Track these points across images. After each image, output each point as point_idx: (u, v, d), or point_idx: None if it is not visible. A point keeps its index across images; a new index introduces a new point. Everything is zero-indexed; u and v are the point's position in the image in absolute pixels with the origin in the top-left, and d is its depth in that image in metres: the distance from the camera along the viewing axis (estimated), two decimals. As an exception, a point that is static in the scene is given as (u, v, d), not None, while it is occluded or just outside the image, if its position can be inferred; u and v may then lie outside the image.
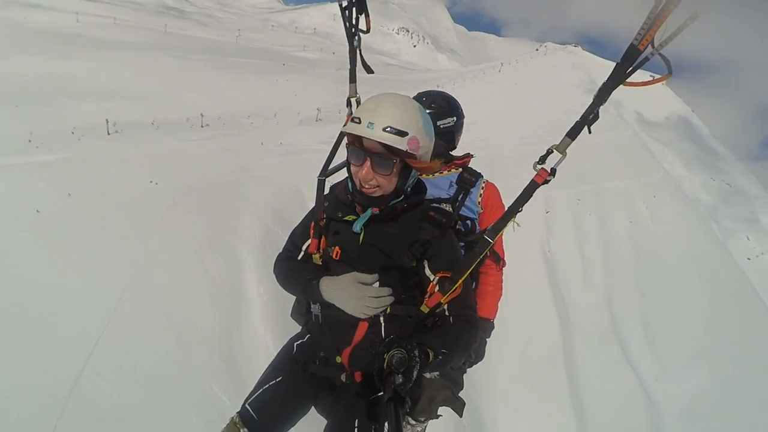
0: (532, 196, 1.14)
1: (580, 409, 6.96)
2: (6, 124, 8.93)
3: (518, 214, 1.22)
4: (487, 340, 1.89)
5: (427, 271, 1.27)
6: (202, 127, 12.56)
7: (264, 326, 4.61)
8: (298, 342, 1.53)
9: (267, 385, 1.40)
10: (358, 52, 1.44)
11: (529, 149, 11.43)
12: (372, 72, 1.64)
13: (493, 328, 1.86)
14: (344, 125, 1.33)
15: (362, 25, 1.43)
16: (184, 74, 18.41)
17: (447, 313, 1.25)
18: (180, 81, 17.12)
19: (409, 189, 1.32)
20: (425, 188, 1.43)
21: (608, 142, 15.66)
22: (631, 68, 0.94)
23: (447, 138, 1.82)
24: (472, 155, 1.91)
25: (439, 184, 1.79)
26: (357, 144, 1.21)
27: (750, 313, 15.21)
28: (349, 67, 1.46)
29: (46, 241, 4.37)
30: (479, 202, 1.79)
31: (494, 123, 13.77)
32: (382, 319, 1.28)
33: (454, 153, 1.93)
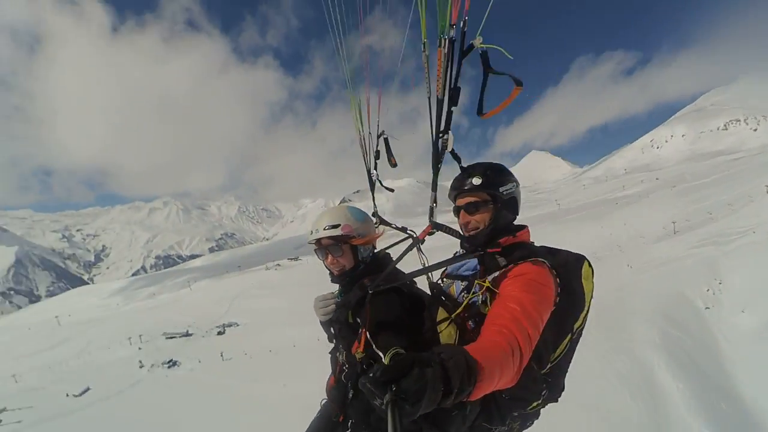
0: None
1: None
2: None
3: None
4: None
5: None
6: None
7: (693, 417, 4.33)
8: None
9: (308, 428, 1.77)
10: (376, 181, 1.84)
11: None
12: (392, 191, 2.18)
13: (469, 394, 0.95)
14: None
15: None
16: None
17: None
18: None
19: (364, 262, 1.63)
20: (387, 262, 1.65)
21: None
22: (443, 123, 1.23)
23: (512, 205, 1.57)
24: (526, 227, 1.62)
25: (466, 265, 1.58)
26: (318, 246, 1.59)
27: None
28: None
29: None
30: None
31: None
32: (345, 366, 1.50)
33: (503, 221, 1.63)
